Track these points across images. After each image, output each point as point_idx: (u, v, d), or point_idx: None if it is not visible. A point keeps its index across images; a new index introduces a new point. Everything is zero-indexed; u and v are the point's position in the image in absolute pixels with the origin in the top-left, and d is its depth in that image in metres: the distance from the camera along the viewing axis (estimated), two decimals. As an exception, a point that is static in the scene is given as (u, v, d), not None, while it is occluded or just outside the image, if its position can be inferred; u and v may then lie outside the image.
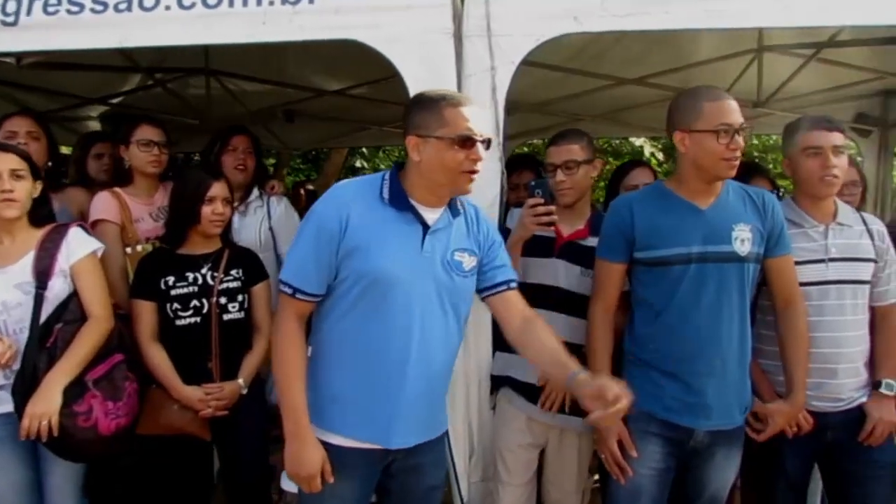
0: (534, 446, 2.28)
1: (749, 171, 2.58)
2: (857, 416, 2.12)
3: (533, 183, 2.10)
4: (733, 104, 1.88)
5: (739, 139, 1.86)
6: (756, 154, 8.08)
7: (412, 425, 1.73)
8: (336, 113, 5.02)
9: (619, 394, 1.48)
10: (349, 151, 7.98)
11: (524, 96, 4.22)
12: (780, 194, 2.36)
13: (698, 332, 1.91)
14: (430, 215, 1.72)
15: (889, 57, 3.77)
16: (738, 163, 1.89)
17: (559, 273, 2.20)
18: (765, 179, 2.48)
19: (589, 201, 2.30)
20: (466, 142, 1.63)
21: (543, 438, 2.27)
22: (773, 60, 3.78)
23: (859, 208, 2.42)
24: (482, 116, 1.71)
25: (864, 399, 2.13)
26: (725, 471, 2.03)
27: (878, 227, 2.18)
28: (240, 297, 2.29)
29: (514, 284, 1.84)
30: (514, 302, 1.82)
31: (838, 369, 2.09)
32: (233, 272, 2.30)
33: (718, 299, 1.90)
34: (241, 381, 2.26)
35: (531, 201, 2.05)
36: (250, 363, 2.30)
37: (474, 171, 1.67)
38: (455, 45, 2.20)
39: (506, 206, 2.28)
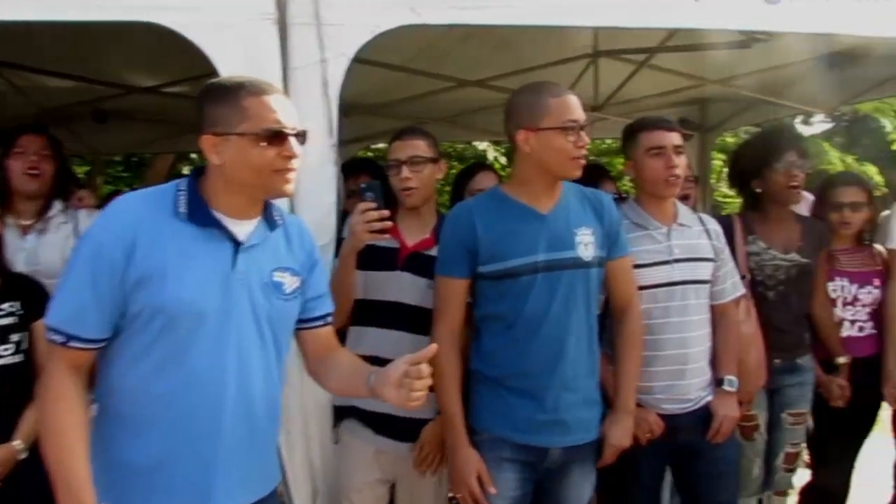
0: (383, 482, 2.07)
1: (595, 174, 2.56)
2: (704, 415, 2.13)
3: (364, 185, 1.87)
4: (577, 100, 1.81)
5: (585, 136, 1.77)
6: (592, 158, 8.47)
7: (235, 484, 1.42)
8: (157, 113, 4.51)
9: (418, 358, 1.31)
10: (176, 157, 7.28)
11: (363, 97, 4.03)
12: (624, 197, 2.35)
13: (549, 344, 1.80)
14: (241, 229, 1.42)
15: (707, 65, 4.03)
16: (584, 161, 1.81)
17: (404, 287, 1.99)
18: (611, 182, 2.47)
19: (435, 207, 2.13)
20: (275, 137, 1.36)
21: (393, 473, 2.06)
22: (609, 65, 3.88)
23: (694, 206, 2.47)
24: (291, 107, 1.44)
25: (709, 398, 2.14)
26: (582, 488, 1.94)
27: (714, 226, 2.22)
28: (15, 337, 1.88)
29: (329, 319, 1.59)
30: (327, 340, 1.60)
31: (686, 370, 2.09)
32: (6, 305, 1.88)
33: (566, 308, 1.81)
34: (17, 442, 1.85)
35: (362, 206, 1.83)
36: (31, 419, 1.86)
37: (289, 170, 1.40)
38: (279, 34, 1.94)
39: (343, 215, 2.05)
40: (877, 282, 2.68)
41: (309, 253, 1.54)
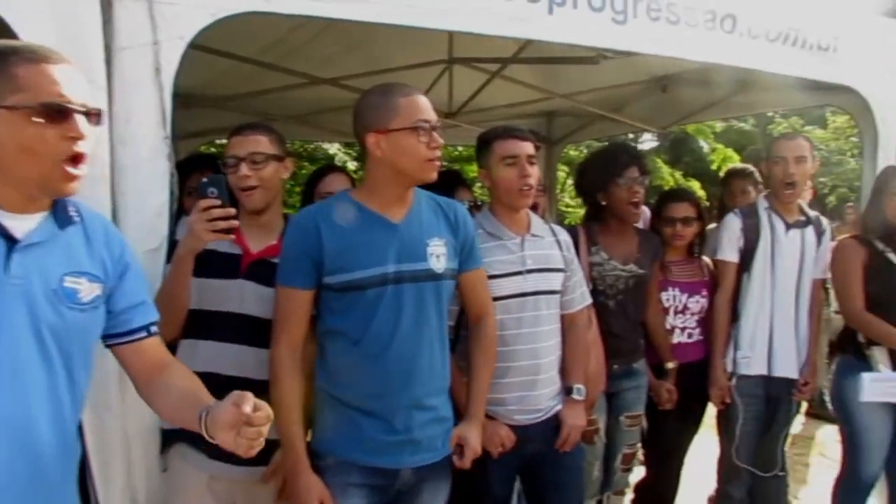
0: (218, 512, 1.87)
1: (451, 181, 2.53)
2: (553, 424, 2.15)
3: (206, 180, 1.67)
4: (427, 100, 1.73)
5: (438, 137, 1.70)
6: (446, 164, 8.57)
7: None
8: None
9: (254, 402, 1.12)
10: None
11: (207, 88, 3.75)
12: (479, 204, 2.34)
13: (399, 362, 1.71)
14: (19, 224, 1.18)
15: (558, 79, 4.19)
16: (440, 164, 1.74)
17: (246, 297, 1.81)
18: (467, 189, 2.45)
19: (281, 210, 1.96)
20: (57, 113, 1.14)
21: (229, 501, 1.87)
22: (463, 73, 3.90)
23: (544, 215, 2.52)
24: (82, 81, 1.21)
25: (559, 407, 2.17)
26: (433, 507, 1.88)
27: (565, 237, 2.26)
28: None
29: (154, 329, 1.38)
30: (155, 355, 1.39)
31: (538, 380, 2.10)
32: None
33: (417, 323, 1.72)
34: None
35: (204, 203, 1.63)
36: None
37: (77, 157, 1.17)
38: (102, 9, 1.71)
39: (177, 216, 1.84)
40: (704, 291, 2.89)
41: (116, 256, 1.32)
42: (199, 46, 2.02)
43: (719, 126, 15.77)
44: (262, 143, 1.83)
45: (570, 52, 2.87)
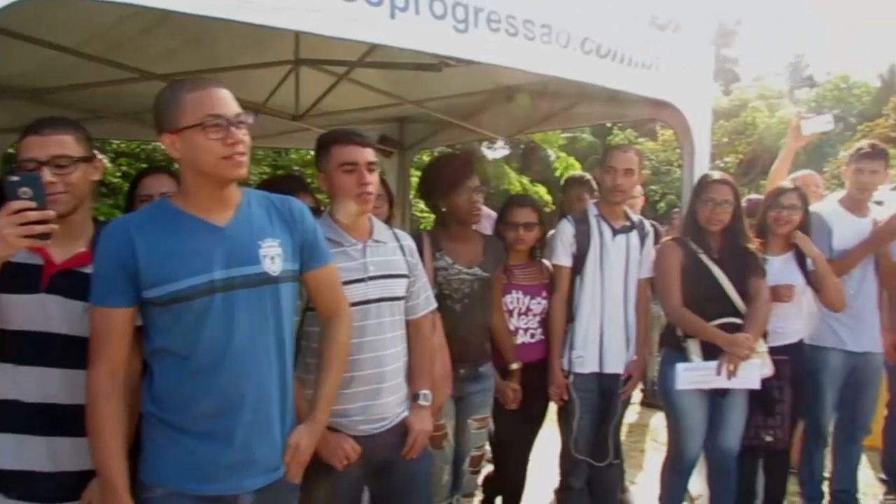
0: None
1: (291, 185, 2.45)
2: (400, 431, 2.13)
3: (17, 178, 1.46)
4: (224, 93, 1.59)
5: (239, 132, 1.56)
6: (297, 168, 8.35)
7: None
8: None
9: None
10: None
11: (21, 79, 3.38)
12: (321, 210, 2.27)
13: (235, 376, 1.60)
14: None
15: (407, 85, 4.21)
16: (245, 159, 1.59)
17: (51, 314, 1.63)
18: (308, 194, 2.37)
19: (90, 214, 1.78)
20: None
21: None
22: (311, 75, 3.81)
23: (387, 221, 2.51)
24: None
25: (405, 413, 2.15)
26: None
27: (409, 242, 2.25)
28: None
29: None
30: None
31: (383, 388, 2.07)
32: None
33: (253, 332, 1.62)
34: None
35: (16, 205, 1.43)
36: None
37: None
38: None
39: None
40: (545, 293, 3.01)
41: None
42: (8, 32, 1.80)
43: (564, 137, 16.78)
44: (66, 145, 1.64)
45: (416, 58, 2.89)
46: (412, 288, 2.19)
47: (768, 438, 3.00)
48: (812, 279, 3.07)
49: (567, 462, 3.03)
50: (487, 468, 3.16)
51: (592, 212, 3.00)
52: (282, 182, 2.45)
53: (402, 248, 2.19)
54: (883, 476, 3.77)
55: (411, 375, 2.20)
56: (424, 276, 2.29)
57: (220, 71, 3.61)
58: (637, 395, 5.53)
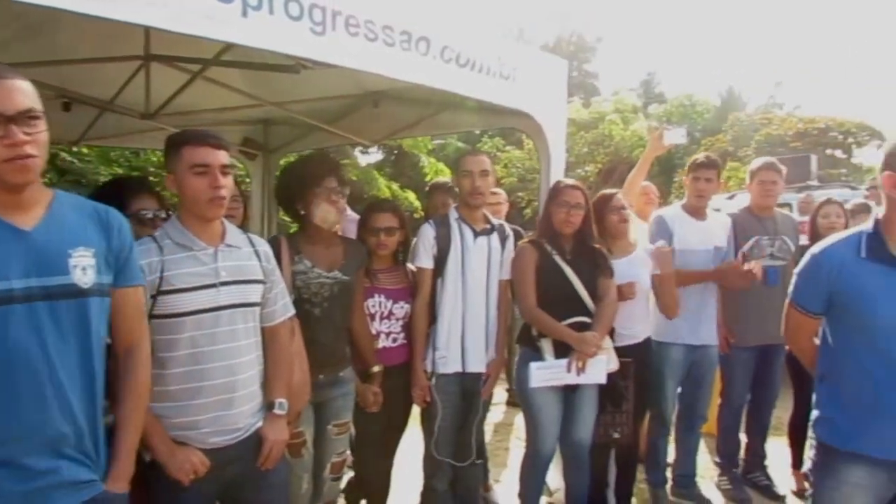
0: None
1: (133, 186, 2.30)
2: (255, 442, 2.06)
3: None
4: (10, 85, 1.43)
5: (20, 132, 1.42)
6: (153, 170, 7.89)
7: None
8: None
9: None
10: None
11: None
12: (168, 215, 2.15)
13: (29, 397, 1.46)
14: None
15: (268, 87, 4.10)
16: (34, 162, 1.45)
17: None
18: (150, 197, 2.24)
19: None
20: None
21: None
22: (163, 72, 3.61)
23: (242, 225, 2.43)
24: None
25: (259, 423, 2.08)
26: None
27: (265, 247, 2.18)
28: None
29: None
30: None
31: (235, 398, 1.99)
32: None
33: (57, 349, 1.49)
34: None
35: None
36: None
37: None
38: None
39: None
40: (408, 297, 3.04)
41: None
42: None
43: (436, 143, 17.07)
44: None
45: (272, 59, 2.82)
46: (269, 294, 2.13)
47: (616, 435, 3.19)
48: (653, 284, 3.31)
49: (430, 464, 3.06)
50: (350, 474, 3.13)
51: (453, 215, 3.07)
52: (121, 184, 2.29)
53: (257, 252, 2.12)
54: (717, 459, 4.12)
55: (268, 384, 2.13)
56: (282, 282, 2.23)
57: (61, 64, 3.36)
58: (503, 395, 5.71)
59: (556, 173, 3.55)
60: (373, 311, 2.93)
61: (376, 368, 2.85)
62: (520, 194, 15.45)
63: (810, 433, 2.20)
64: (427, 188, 4.18)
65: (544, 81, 3.48)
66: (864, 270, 2.01)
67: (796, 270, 2.21)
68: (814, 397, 2.21)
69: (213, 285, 1.96)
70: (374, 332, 2.93)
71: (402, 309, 3.01)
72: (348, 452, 2.79)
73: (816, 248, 2.14)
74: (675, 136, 4.00)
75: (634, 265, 3.32)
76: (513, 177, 16.86)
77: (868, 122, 21.55)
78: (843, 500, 2.06)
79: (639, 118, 16.40)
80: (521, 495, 3.24)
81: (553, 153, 3.56)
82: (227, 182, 1.98)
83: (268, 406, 2.12)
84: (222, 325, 1.97)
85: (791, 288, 2.22)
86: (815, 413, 2.19)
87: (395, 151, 17.17)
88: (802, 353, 2.27)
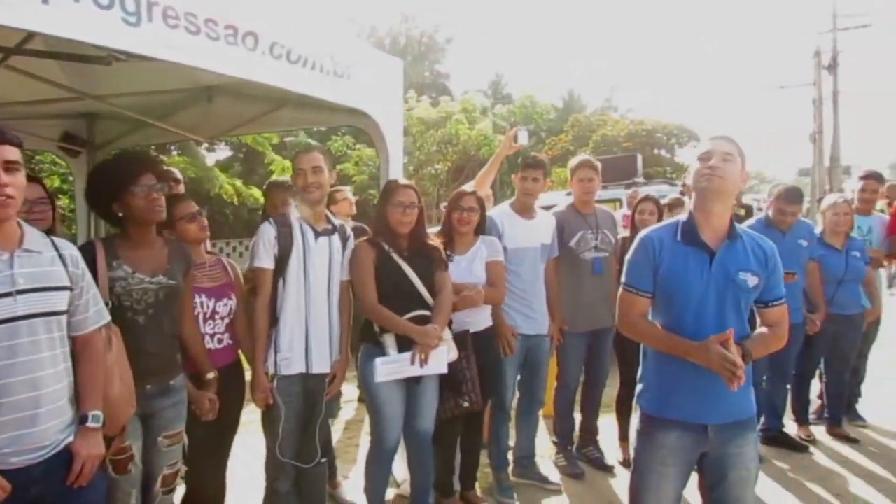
0: None
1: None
2: (64, 459, 1.91)
3: None
4: None
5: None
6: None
7: None
8: None
9: None
10: None
11: None
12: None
13: None
14: None
15: (90, 79, 3.81)
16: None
17: None
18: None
19: None
20: None
21: None
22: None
23: (52, 229, 2.25)
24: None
25: (70, 439, 1.94)
26: None
27: (72, 251, 2.02)
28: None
29: None
30: None
31: (39, 414, 1.84)
32: None
33: None
34: None
35: None
36: None
37: None
38: None
39: None
40: (232, 294, 2.96)
41: None
42: None
43: (287, 140, 16.66)
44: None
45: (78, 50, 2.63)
46: (77, 301, 1.99)
47: (466, 404, 3.30)
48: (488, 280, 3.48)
49: (273, 467, 3.00)
50: (183, 486, 3.00)
51: (294, 214, 3.03)
52: None
53: (62, 257, 1.96)
54: (554, 439, 4.39)
55: (80, 396, 1.99)
56: (94, 288, 2.08)
57: None
58: (356, 392, 5.71)
59: (395, 171, 3.62)
60: (196, 312, 2.82)
61: (211, 375, 2.75)
62: (371, 192, 15.48)
63: (635, 405, 2.43)
64: (265, 186, 4.08)
65: (380, 80, 3.53)
66: (679, 252, 2.27)
67: (627, 256, 2.40)
68: (639, 372, 2.43)
69: (9, 294, 1.79)
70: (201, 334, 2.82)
71: (225, 307, 2.92)
72: (181, 463, 2.67)
73: (643, 233, 2.37)
74: (523, 137, 4.20)
75: (474, 262, 3.46)
76: (364, 174, 16.85)
77: (687, 125, 23.90)
78: (659, 462, 2.30)
79: (484, 118, 17.01)
80: (366, 490, 3.27)
81: (391, 151, 3.62)
82: (15, 180, 1.80)
83: (80, 419, 1.98)
84: (22, 336, 1.81)
85: (623, 273, 2.40)
86: (638, 386, 2.42)
87: (244, 149, 16.56)
88: (635, 332, 2.40)
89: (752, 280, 2.24)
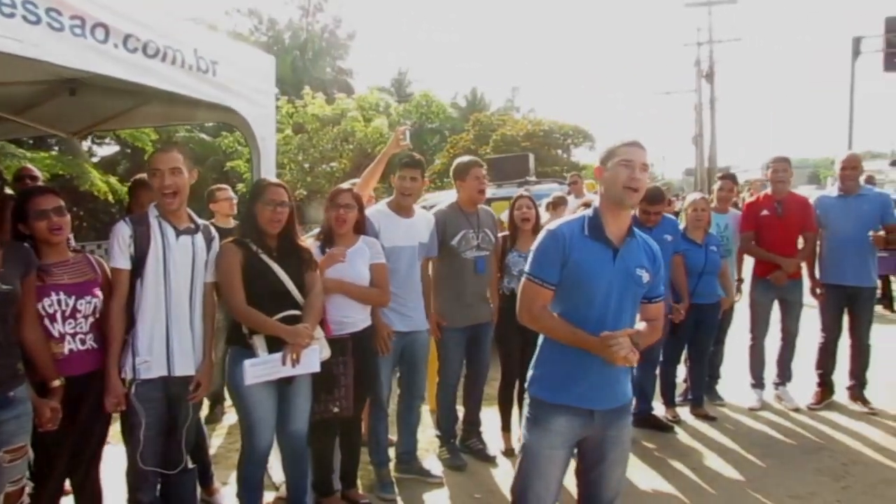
0: None
1: None
2: None
3: None
4: None
5: None
6: None
7: None
8: None
9: None
10: None
11: None
12: None
13: None
14: None
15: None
16: None
17: None
18: None
19: None
20: None
21: None
22: None
23: None
24: None
25: None
26: None
27: None
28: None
29: None
30: None
31: None
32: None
33: None
34: None
35: None
36: None
37: None
38: None
39: None
40: (97, 290, 2.83)
41: None
42: None
43: (179, 136, 15.98)
44: None
45: None
46: None
47: (335, 410, 3.30)
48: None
49: (134, 476, 2.89)
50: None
51: (153, 213, 2.92)
52: None
53: None
54: (437, 433, 4.47)
55: None
56: None
57: None
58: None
59: (268, 169, 3.57)
60: (51, 311, 2.66)
61: (57, 382, 2.60)
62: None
63: (525, 393, 2.52)
64: (129, 185, 3.90)
65: (249, 76, 3.46)
66: (585, 246, 2.36)
67: (532, 248, 2.45)
68: (533, 360, 2.52)
69: None
70: (57, 334, 2.67)
71: (89, 304, 2.77)
72: (27, 479, 2.52)
73: (552, 226, 2.44)
74: (406, 137, 4.22)
75: (356, 260, 3.46)
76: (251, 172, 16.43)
77: (582, 126, 24.83)
78: (547, 446, 2.41)
79: (381, 116, 17.01)
80: (239, 495, 3.22)
81: (262, 149, 3.56)
82: None
83: None
84: None
85: (528, 265, 2.46)
86: (530, 373, 2.52)
87: (131, 145, 15.76)
88: (537, 323, 2.44)
89: (645, 276, 2.39)
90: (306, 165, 15.96)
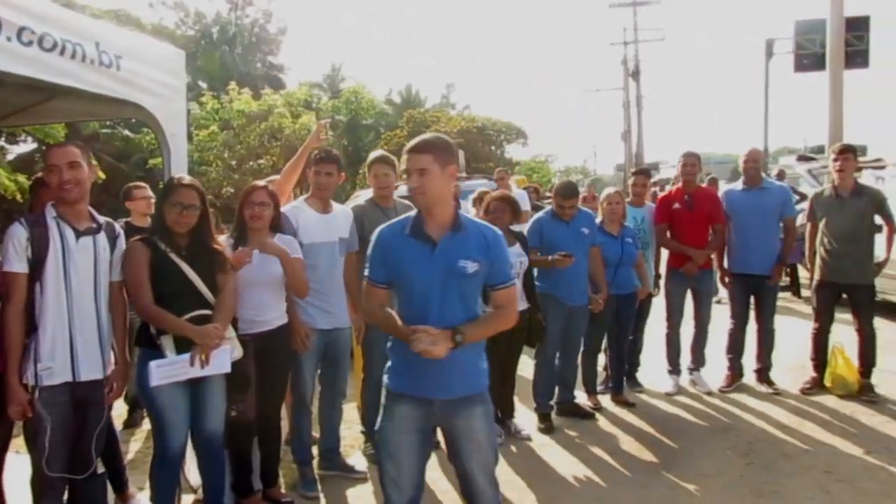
0: None
1: None
2: None
3: None
4: None
5: None
6: None
7: None
8: None
9: None
10: None
11: None
12: None
13: None
14: None
15: None
16: None
17: None
18: None
19: None
20: None
21: None
22: None
23: None
24: None
25: None
26: None
27: None
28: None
29: None
30: None
31: None
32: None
33: None
34: None
35: None
36: None
37: None
38: None
39: None
40: None
41: None
42: None
43: (103, 132, 15.40)
44: None
45: None
46: None
47: (233, 413, 3.26)
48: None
49: (40, 484, 2.79)
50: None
51: (51, 213, 2.82)
52: None
53: None
54: (363, 429, 4.48)
55: None
56: None
57: None
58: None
59: (178, 167, 3.49)
60: None
61: None
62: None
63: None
64: (31, 183, 3.75)
65: (157, 72, 3.38)
66: (406, 244, 2.46)
67: (367, 251, 2.54)
68: None
69: None
70: None
71: None
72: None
73: (378, 230, 2.52)
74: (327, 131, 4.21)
75: (266, 256, 3.43)
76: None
77: (515, 123, 25.24)
78: (394, 431, 2.51)
79: (308, 111, 16.81)
80: (153, 499, 3.14)
81: (173, 145, 3.49)
82: None
83: None
84: None
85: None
86: (386, 364, 2.61)
87: (47, 142, 15.06)
88: (372, 318, 2.64)
89: (471, 266, 2.44)
90: (233, 162, 15.58)
